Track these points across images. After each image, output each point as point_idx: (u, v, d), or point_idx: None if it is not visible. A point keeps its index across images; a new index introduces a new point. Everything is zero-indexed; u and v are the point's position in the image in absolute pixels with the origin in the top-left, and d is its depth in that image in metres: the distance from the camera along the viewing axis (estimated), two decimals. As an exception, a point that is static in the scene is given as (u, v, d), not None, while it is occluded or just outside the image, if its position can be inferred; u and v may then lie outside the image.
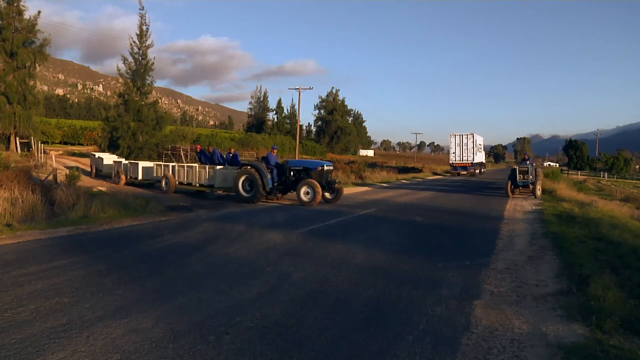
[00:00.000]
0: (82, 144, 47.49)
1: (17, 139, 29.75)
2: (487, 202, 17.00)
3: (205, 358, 3.38)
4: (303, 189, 13.57)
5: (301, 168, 14.37)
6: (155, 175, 17.77)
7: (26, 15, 28.78)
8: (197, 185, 15.93)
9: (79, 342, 3.56)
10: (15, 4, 28.20)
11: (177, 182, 16.29)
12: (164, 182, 16.47)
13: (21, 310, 4.20)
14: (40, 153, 27.19)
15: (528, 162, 20.22)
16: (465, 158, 28.10)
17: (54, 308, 4.28)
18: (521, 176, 19.63)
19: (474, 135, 28.89)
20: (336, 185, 14.45)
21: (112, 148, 30.06)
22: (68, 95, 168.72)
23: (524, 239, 9.15)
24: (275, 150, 15.47)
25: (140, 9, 29.77)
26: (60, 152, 36.15)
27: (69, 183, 11.74)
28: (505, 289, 5.48)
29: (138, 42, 30.04)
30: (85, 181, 17.41)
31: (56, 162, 21.25)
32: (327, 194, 14.33)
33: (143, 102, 30.35)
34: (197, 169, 16.02)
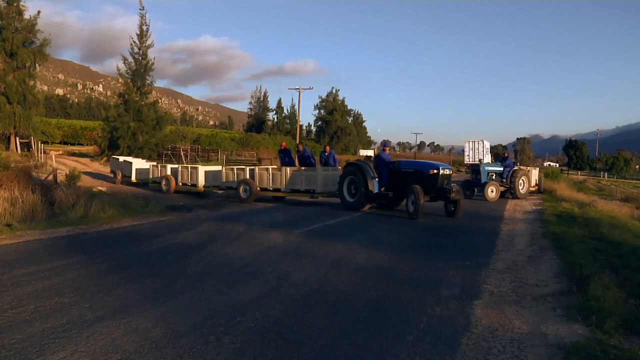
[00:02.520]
0: (82, 144, 47.48)
1: (17, 139, 29.74)
2: (486, 202, 16.99)
3: (205, 358, 3.37)
4: (410, 198, 11.23)
5: (412, 170, 11.97)
6: (224, 180, 15.60)
7: (26, 15, 28.78)
8: (289, 190, 14.10)
9: (79, 342, 3.56)
10: (15, 4, 28.18)
11: (258, 188, 14.49)
12: (242, 189, 14.41)
13: (21, 310, 4.20)
14: (40, 153, 27.19)
15: (485, 162, 19.01)
16: (476, 159, 31.23)
17: (54, 308, 4.28)
18: (474, 176, 18.42)
19: (484, 141, 32.84)
20: (453, 194, 11.40)
21: (112, 148, 30.10)
22: (68, 95, 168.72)
23: (524, 239, 9.14)
24: (387, 148, 12.95)
25: (140, 9, 29.88)
26: (60, 152, 36.14)
27: (69, 183, 11.73)
28: (505, 289, 5.48)
29: (138, 42, 30.12)
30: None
31: (56, 162, 21.15)
32: (450, 206, 11.79)
33: (143, 102, 30.42)
34: (288, 172, 14.05)
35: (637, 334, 4.03)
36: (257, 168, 15.17)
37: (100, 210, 10.03)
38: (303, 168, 14.17)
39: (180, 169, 16.95)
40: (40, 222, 8.77)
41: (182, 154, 35.63)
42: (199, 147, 44.55)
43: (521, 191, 18.40)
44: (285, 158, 15.73)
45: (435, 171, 11.62)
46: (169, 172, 16.99)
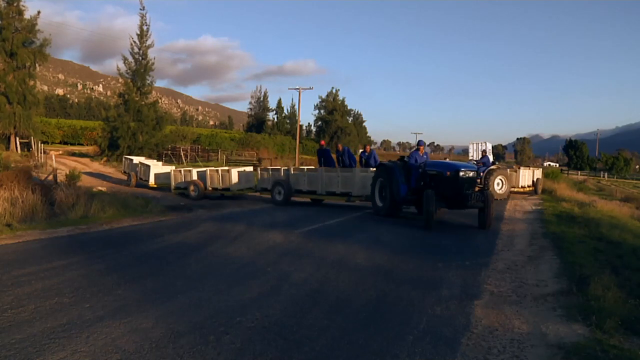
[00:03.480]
0: (82, 144, 47.49)
1: (17, 139, 29.75)
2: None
3: (205, 358, 3.38)
4: (424, 204, 9.79)
5: (435, 172, 10.40)
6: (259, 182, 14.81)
7: (26, 15, 28.79)
8: (324, 193, 13.28)
9: (79, 342, 3.57)
10: (15, 4, 28.19)
11: (293, 190, 13.85)
12: (277, 191, 13.88)
13: (21, 310, 4.20)
14: (40, 153, 27.18)
15: (473, 162, 17.78)
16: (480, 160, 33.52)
17: (54, 308, 4.28)
18: None
19: (486, 143, 35.19)
20: (472, 201, 9.93)
21: (112, 148, 30.10)
22: (68, 95, 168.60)
23: (524, 239, 9.14)
24: (422, 148, 11.22)
25: (141, 9, 29.88)
26: (61, 152, 36.15)
27: (69, 183, 11.73)
28: (505, 289, 5.48)
29: (138, 42, 30.14)
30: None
31: (56, 162, 21.05)
32: (481, 215, 10.08)
33: (143, 102, 30.44)
34: (324, 173, 13.22)
35: (637, 334, 4.03)
36: (292, 168, 14.47)
37: (100, 210, 10.04)
38: (341, 169, 13.23)
39: (209, 172, 15.79)
40: (40, 222, 8.78)
41: (182, 154, 35.63)
42: (199, 147, 44.57)
43: (498, 191, 17.10)
44: (322, 159, 14.65)
45: (452, 173, 9.92)
46: (195, 177, 15.85)
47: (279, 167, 15.40)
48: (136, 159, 19.99)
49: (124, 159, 21.18)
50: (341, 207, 13.57)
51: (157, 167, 18.34)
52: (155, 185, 17.73)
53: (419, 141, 11.59)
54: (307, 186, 13.71)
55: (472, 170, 10.09)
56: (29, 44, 29.04)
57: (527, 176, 20.83)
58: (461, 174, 9.85)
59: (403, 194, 10.69)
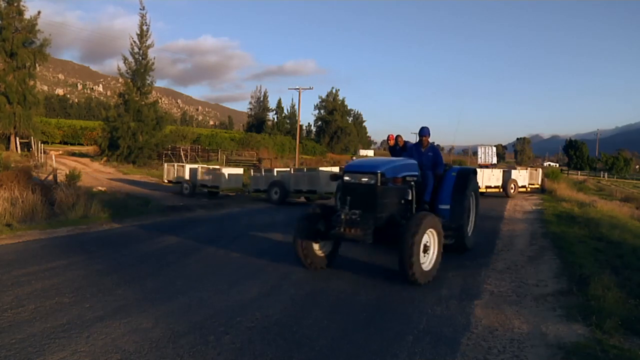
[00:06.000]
0: (82, 144, 47.49)
1: (17, 139, 29.72)
2: (487, 202, 16.97)
3: (205, 358, 3.38)
4: None
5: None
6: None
7: (26, 15, 28.77)
8: None
9: (79, 342, 3.57)
10: (15, 4, 28.17)
11: None
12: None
13: (21, 310, 4.20)
14: (40, 153, 27.16)
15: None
16: (486, 160, 36.84)
17: (54, 308, 4.28)
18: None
19: (492, 146, 39.57)
20: (343, 228, 5.56)
21: (112, 148, 30.08)
22: (68, 95, 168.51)
23: (524, 239, 9.14)
24: (427, 139, 7.44)
25: (140, 9, 29.87)
26: (61, 152, 36.14)
27: (69, 183, 11.73)
28: (505, 289, 5.48)
29: (138, 42, 30.12)
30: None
31: (56, 162, 21.00)
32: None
33: (143, 102, 30.41)
34: None
35: (637, 334, 4.03)
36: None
37: (100, 210, 10.03)
38: None
39: (293, 173, 14.86)
40: (40, 222, 8.77)
41: (182, 154, 35.63)
42: (199, 147, 44.55)
43: None
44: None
45: (406, 177, 6.30)
46: (277, 178, 15.04)
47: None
48: (190, 165, 17.84)
49: (166, 167, 18.81)
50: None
51: (228, 170, 16.71)
52: (226, 192, 16.18)
53: (422, 129, 7.43)
54: None
55: (367, 174, 5.81)
56: (29, 44, 29.01)
57: (486, 177, 18.22)
58: (346, 178, 5.97)
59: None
